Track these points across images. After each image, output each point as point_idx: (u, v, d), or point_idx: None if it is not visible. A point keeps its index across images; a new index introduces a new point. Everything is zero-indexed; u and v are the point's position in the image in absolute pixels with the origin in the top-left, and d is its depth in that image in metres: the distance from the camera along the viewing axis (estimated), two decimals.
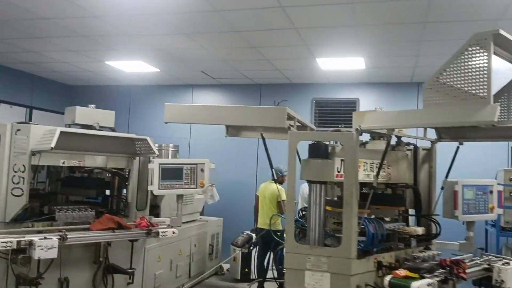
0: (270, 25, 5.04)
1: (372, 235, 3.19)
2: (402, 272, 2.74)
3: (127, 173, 4.98)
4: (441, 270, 2.90)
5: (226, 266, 7.68)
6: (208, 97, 8.77)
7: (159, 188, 4.99)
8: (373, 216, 3.44)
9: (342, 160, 3.34)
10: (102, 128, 4.85)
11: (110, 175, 5.02)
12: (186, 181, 5.15)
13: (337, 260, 3.11)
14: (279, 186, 6.80)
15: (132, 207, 4.81)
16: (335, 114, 7.91)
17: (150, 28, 5.35)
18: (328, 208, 3.43)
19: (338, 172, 3.32)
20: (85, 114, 4.72)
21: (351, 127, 3.35)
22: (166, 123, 3.59)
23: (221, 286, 6.86)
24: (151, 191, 4.97)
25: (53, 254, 3.60)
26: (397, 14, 4.58)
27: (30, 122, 4.14)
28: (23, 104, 8.53)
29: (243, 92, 8.49)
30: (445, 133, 3.94)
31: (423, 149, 4.05)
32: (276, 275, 5.83)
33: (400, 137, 3.79)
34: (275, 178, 6.72)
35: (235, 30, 5.25)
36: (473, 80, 2.64)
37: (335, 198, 3.74)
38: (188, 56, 6.58)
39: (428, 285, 2.67)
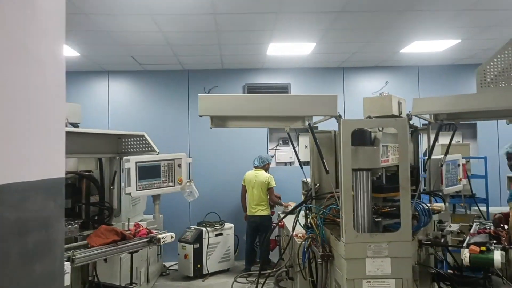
0: (250, 9, 4.77)
1: (423, 216, 3.34)
2: (475, 248, 2.92)
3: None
4: (494, 241, 3.17)
5: (167, 265, 7.23)
6: (127, 83, 7.97)
7: (137, 190, 4.49)
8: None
9: (384, 146, 3.42)
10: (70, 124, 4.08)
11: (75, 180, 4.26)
12: (164, 179, 4.73)
13: (397, 245, 3.17)
14: (268, 174, 6.69)
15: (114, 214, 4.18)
16: None
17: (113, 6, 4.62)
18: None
19: (382, 158, 3.39)
20: None
21: None
22: (200, 116, 3.18)
23: (178, 287, 6.42)
24: (129, 194, 4.41)
25: (67, 281, 2.97)
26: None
27: None
28: None
29: (168, 78, 7.91)
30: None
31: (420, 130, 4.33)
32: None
33: (411, 118, 3.97)
34: (262, 165, 6.71)
35: (211, 13, 4.83)
36: None
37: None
38: (129, 39, 5.85)
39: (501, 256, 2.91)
